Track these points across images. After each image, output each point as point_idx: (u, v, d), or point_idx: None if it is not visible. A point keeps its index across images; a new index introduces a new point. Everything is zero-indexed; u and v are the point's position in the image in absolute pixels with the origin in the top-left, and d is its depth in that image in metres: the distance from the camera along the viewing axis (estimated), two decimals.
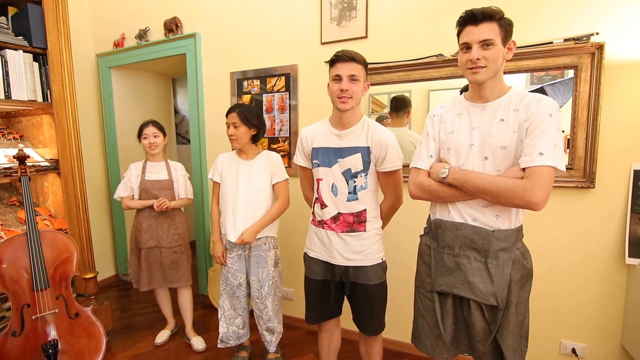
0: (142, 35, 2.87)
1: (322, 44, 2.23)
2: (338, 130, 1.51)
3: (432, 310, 1.31)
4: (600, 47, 1.64)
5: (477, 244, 1.18)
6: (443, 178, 1.20)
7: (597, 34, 1.65)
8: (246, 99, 2.56)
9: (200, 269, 2.96)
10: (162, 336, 2.39)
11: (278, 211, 1.89)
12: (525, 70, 1.80)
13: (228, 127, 1.84)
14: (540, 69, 1.77)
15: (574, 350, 1.83)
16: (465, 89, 1.93)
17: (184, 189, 2.25)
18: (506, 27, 1.12)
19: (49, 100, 2.09)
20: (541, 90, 1.79)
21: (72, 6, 2.86)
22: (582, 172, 1.73)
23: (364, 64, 1.45)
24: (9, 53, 1.90)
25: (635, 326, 1.66)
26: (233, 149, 1.92)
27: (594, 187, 1.72)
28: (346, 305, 1.63)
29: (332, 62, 1.45)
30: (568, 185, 1.75)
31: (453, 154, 1.23)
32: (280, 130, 2.46)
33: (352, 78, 1.40)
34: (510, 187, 1.07)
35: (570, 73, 1.73)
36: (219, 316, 2.00)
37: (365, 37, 2.11)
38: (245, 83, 2.55)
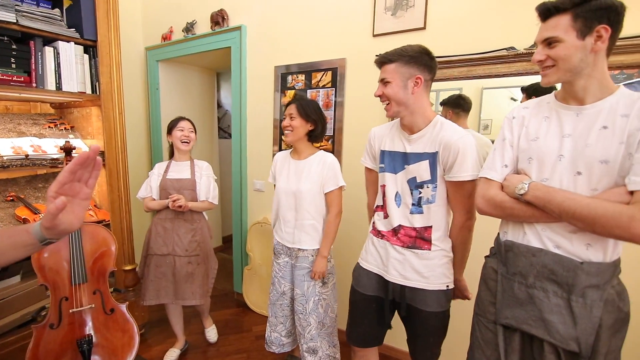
0: (189, 28, 2.85)
1: (374, 36, 2.06)
2: (407, 134, 1.34)
3: (494, 344, 1.12)
4: None
5: (558, 276, 0.97)
6: (521, 195, 1.00)
7: None
8: (290, 94, 2.45)
9: (235, 266, 2.92)
10: (171, 356, 2.14)
11: (335, 225, 1.73)
12: (618, 67, 1.52)
13: (284, 119, 1.75)
14: (638, 65, 1.49)
15: None
16: (527, 88, 1.68)
17: (205, 190, 2.03)
18: (585, 15, 0.90)
19: (97, 93, 2.10)
20: None
21: None
22: None
23: (402, 58, 1.24)
24: (61, 45, 1.92)
25: None
26: (287, 144, 1.81)
27: None
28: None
29: None
30: None
31: (535, 165, 1.02)
32: None
33: (383, 81, 1.29)
34: (611, 215, 0.85)
35: None
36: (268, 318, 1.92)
37: (424, 28, 1.90)
38: (289, 78, 2.44)
